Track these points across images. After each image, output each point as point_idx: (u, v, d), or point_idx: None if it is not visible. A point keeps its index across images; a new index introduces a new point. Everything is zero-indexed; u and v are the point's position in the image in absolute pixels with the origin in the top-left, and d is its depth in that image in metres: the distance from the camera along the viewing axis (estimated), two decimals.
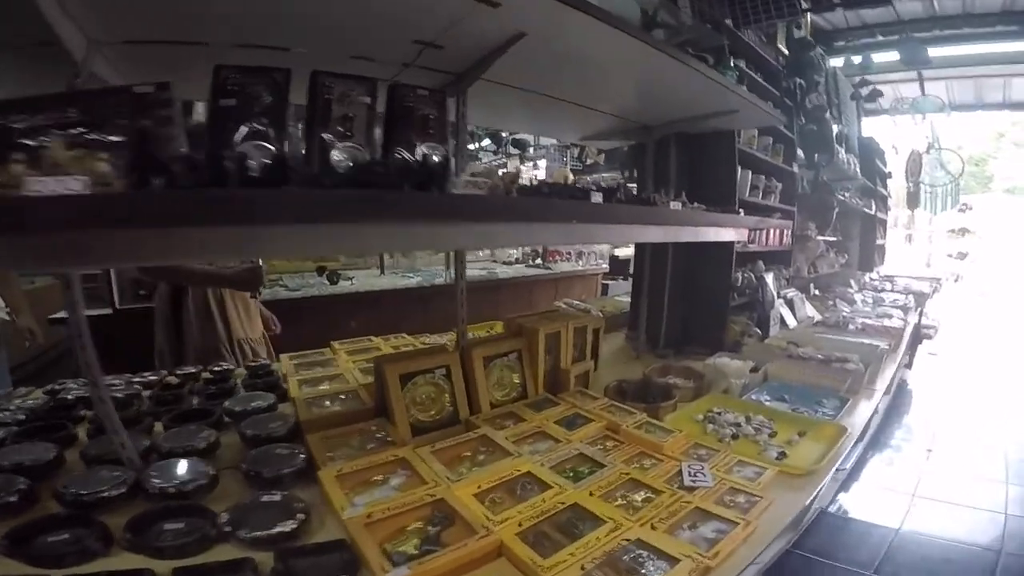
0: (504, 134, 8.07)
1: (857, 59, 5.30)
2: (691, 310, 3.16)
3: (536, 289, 6.71)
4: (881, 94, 5.00)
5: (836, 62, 5.39)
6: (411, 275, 5.84)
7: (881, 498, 3.42)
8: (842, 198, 5.02)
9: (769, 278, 3.35)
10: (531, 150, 8.68)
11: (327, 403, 1.97)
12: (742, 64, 3.29)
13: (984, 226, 14.91)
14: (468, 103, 1.97)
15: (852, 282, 5.89)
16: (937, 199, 8.21)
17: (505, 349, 2.03)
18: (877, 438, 4.13)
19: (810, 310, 4.08)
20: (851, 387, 2.43)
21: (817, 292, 5.07)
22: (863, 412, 2.38)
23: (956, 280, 12.06)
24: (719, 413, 2.05)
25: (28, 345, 2.86)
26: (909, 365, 6.13)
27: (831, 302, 4.69)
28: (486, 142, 8.33)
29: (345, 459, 1.56)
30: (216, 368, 2.49)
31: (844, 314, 4.21)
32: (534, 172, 9.05)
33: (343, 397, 2.03)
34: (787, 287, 3.86)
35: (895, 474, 3.76)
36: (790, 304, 3.71)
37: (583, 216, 1.36)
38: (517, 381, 2.08)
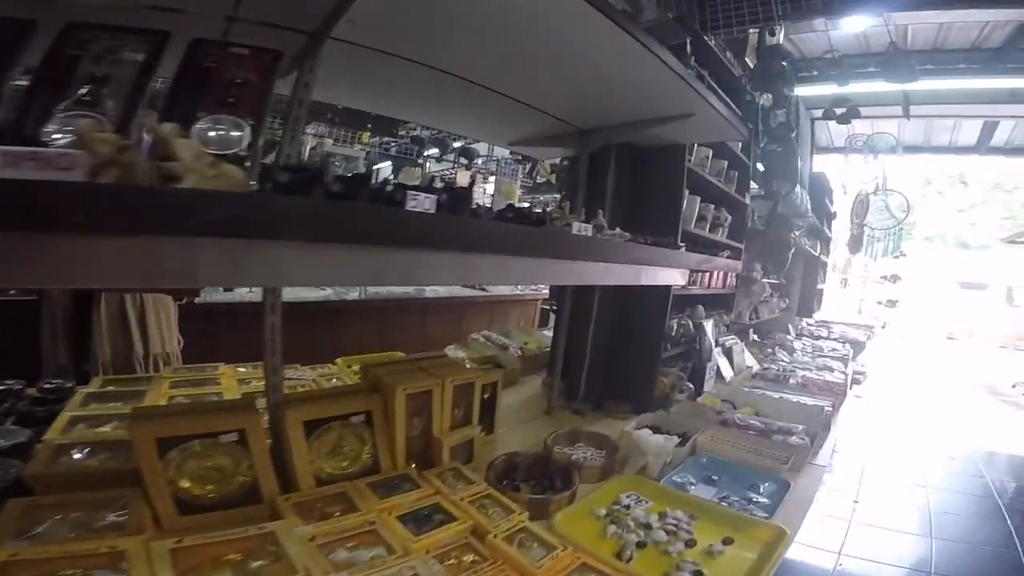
0: (457, 144, 7.35)
1: (813, 90, 5.03)
2: (617, 358, 2.67)
3: (469, 313, 5.98)
4: (859, 113, 4.75)
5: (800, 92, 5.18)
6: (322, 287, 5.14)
7: (807, 555, 3.19)
8: (794, 236, 4.70)
9: (708, 326, 2.92)
10: (479, 161, 7.92)
11: (86, 454, 1.39)
12: (705, 74, 2.88)
13: (908, 273, 15.35)
14: (327, 74, 1.43)
15: (791, 328, 5.63)
16: (878, 243, 8.11)
17: (340, 411, 1.47)
18: None
19: (749, 359, 3.70)
20: (794, 465, 2.00)
21: (756, 338, 4.73)
22: (804, 496, 1.94)
23: (883, 327, 12.31)
24: (628, 506, 1.56)
25: None
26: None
27: (770, 350, 4.35)
28: (434, 150, 7.61)
29: (41, 541, 1.04)
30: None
31: (784, 364, 3.86)
32: (484, 186, 8.36)
33: (114, 449, 1.42)
34: (726, 334, 3.46)
35: (821, 527, 3.51)
36: (728, 353, 3.30)
37: (372, 234, 0.80)
38: (368, 452, 1.53)
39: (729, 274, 3.45)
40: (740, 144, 3.38)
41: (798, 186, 4.04)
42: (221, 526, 1.14)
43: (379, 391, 1.57)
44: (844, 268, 12.90)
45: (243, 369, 2.26)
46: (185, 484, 1.23)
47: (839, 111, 4.53)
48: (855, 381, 6.61)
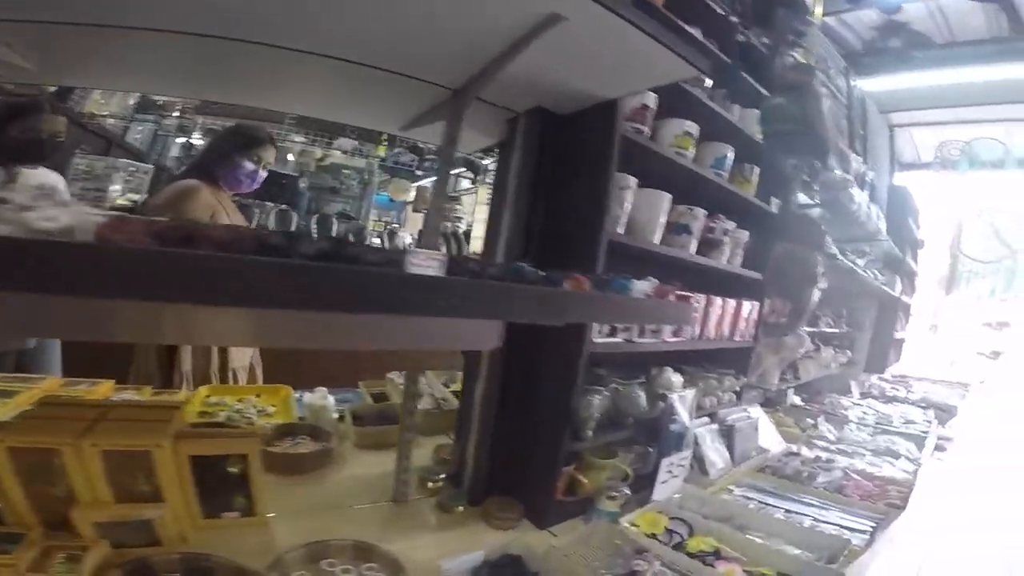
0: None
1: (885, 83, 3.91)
2: (510, 441, 1.75)
3: None
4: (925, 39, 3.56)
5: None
6: None
7: None
8: (852, 266, 3.52)
9: (687, 399, 1.92)
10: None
11: None
12: None
13: None
14: None
15: (853, 387, 4.37)
16: (981, 280, 6.41)
17: None
18: None
19: (770, 437, 2.61)
20: None
21: (799, 401, 3.59)
22: None
23: (981, 383, 9.92)
24: None
25: None
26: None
27: (811, 421, 3.19)
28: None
29: None
30: None
31: (824, 446, 2.73)
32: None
33: None
34: (732, 404, 2.41)
35: None
36: (727, 434, 2.25)
37: None
38: None
39: (746, 318, 2.42)
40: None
41: (856, 193, 2.90)
42: None
43: None
44: (934, 312, 10.61)
45: None
46: None
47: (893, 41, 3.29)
48: (938, 447, 5.16)
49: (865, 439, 3.03)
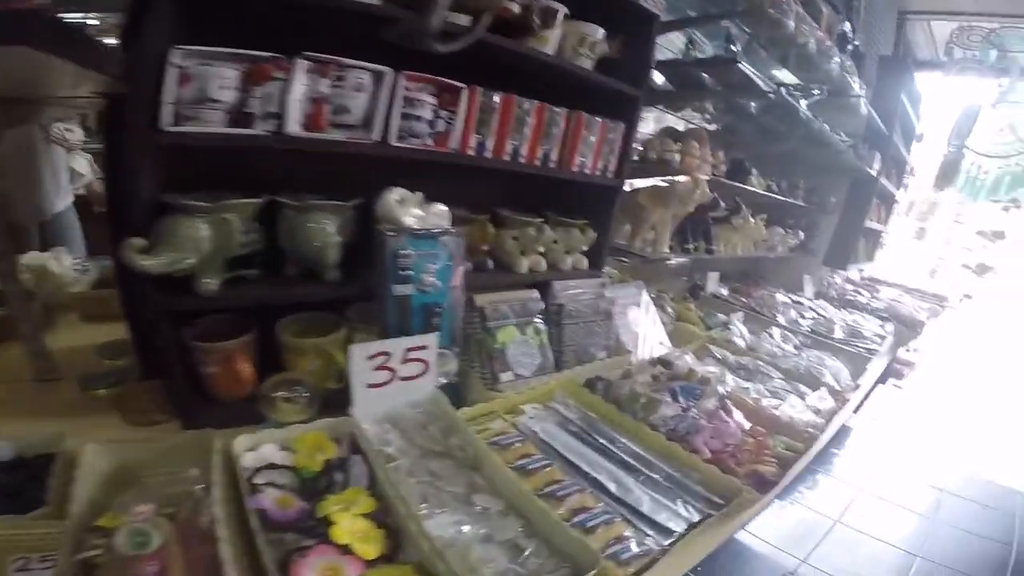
0: None
1: None
2: (142, 304, 1.15)
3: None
4: None
5: None
6: None
7: None
8: (800, 107, 2.60)
9: (443, 247, 1.24)
10: None
11: None
12: None
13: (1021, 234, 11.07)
14: None
15: (806, 283, 3.71)
16: (985, 180, 5.53)
17: None
18: None
19: (649, 336, 1.96)
20: None
21: (724, 292, 2.94)
22: None
23: (962, 300, 8.85)
24: None
25: None
26: (856, 410, 4.08)
27: (723, 316, 2.54)
28: None
29: None
30: None
31: (719, 358, 2.08)
32: None
33: None
34: (576, 276, 1.73)
35: None
36: (554, 320, 1.58)
37: None
38: None
39: (593, 144, 1.64)
40: None
41: (811, 38, 2.11)
42: None
43: None
44: (925, 213, 9.41)
45: None
46: None
47: None
48: (895, 374, 4.57)
49: (786, 353, 2.35)
